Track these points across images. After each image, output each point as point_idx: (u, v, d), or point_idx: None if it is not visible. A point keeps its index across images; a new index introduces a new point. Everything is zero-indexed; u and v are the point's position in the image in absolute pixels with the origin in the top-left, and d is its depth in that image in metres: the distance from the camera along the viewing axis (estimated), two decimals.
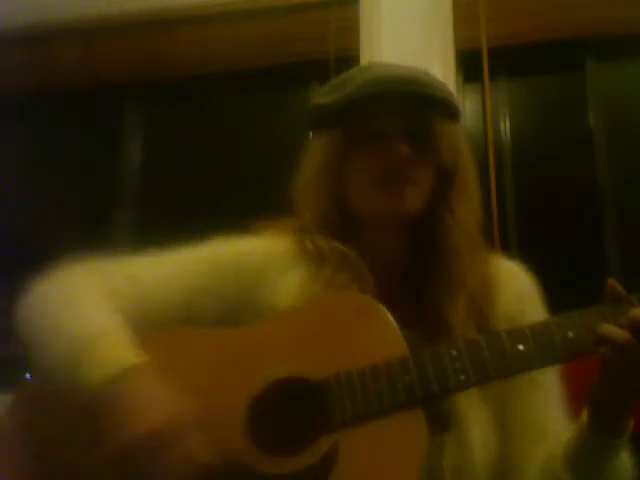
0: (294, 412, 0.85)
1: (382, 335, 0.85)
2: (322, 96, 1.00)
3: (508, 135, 2.19)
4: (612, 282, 0.80)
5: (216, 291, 0.97)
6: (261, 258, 1.00)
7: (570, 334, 0.78)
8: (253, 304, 0.97)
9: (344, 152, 0.99)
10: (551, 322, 0.80)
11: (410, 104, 0.96)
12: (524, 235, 2.05)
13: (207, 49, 2.34)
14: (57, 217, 2.41)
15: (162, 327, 0.93)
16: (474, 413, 0.88)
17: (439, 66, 2.10)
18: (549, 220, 2.06)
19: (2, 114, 2.47)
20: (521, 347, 0.79)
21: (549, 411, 0.93)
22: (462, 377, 0.79)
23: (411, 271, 0.99)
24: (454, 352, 0.81)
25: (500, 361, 0.79)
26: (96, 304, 0.89)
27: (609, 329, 0.76)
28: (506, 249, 1.93)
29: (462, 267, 0.94)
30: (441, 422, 0.85)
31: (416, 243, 0.99)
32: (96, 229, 2.35)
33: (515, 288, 0.98)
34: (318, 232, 0.99)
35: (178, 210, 2.33)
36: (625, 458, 0.84)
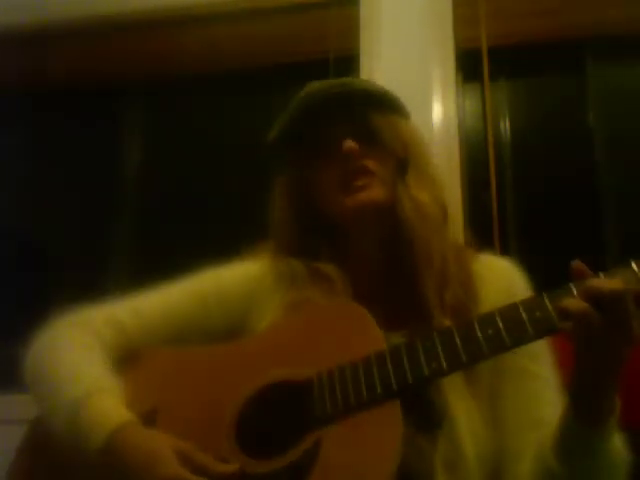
0: (281, 414, 0.87)
1: (364, 335, 0.88)
2: (272, 131, 1.07)
3: (508, 135, 2.19)
4: (577, 262, 0.79)
5: (202, 325, 1.03)
6: (243, 286, 1.05)
7: (538, 313, 0.78)
8: (241, 330, 1.02)
9: (304, 172, 1.05)
10: (520, 303, 0.80)
11: (345, 105, 1.02)
12: (524, 234, 2.05)
13: (206, 49, 2.34)
14: (56, 217, 2.41)
15: (160, 347, 1.00)
16: (462, 407, 0.89)
17: (439, 66, 2.09)
18: (549, 219, 2.06)
19: (1, 114, 2.47)
20: (490, 330, 0.80)
21: (542, 400, 0.93)
22: (434, 365, 0.81)
23: (393, 271, 1.03)
24: (428, 342, 0.82)
25: (471, 346, 0.80)
26: (85, 361, 0.96)
27: (568, 301, 0.75)
28: (506, 248, 1.93)
29: (428, 251, 0.97)
30: (433, 420, 0.86)
31: (392, 241, 1.03)
32: (96, 229, 2.35)
33: (502, 282, 1.00)
34: (293, 255, 1.04)
35: (178, 210, 2.33)
36: (617, 447, 0.82)
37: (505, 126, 2.20)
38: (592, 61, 2.17)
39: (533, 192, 2.11)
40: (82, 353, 0.97)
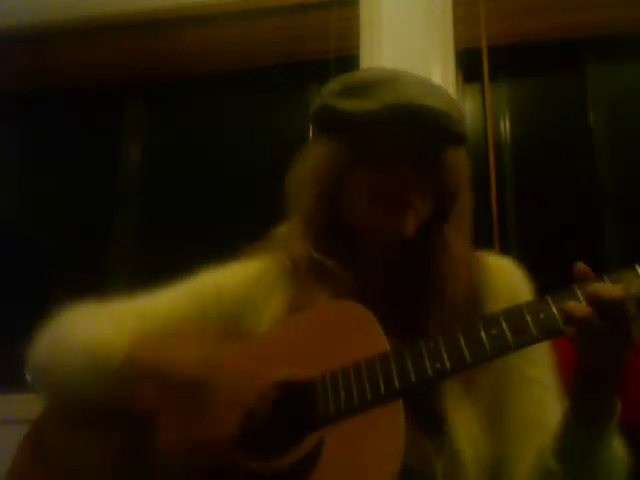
0: (283, 415, 0.86)
1: (368, 337, 0.87)
2: (337, 98, 0.97)
3: (508, 135, 2.19)
4: (580, 264, 0.78)
5: (199, 327, 1.01)
6: (242, 287, 1.03)
7: (542, 315, 0.78)
8: (237, 332, 1.00)
9: (346, 162, 0.98)
10: (524, 305, 0.80)
11: (426, 134, 0.95)
12: (524, 235, 2.05)
13: (207, 49, 2.35)
14: (57, 217, 2.41)
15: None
16: (460, 412, 0.89)
17: (439, 66, 2.10)
18: (549, 220, 2.06)
19: (2, 114, 2.47)
20: (494, 331, 0.79)
21: (543, 405, 0.92)
22: (437, 365, 0.80)
23: (397, 281, 1.00)
24: (432, 343, 0.82)
25: (475, 346, 0.80)
26: (104, 324, 0.97)
27: (571, 305, 0.75)
28: (506, 249, 1.93)
29: (448, 290, 0.95)
30: (434, 425, 0.86)
31: (403, 256, 1.00)
32: (97, 229, 2.36)
33: (503, 281, 0.99)
34: (303, 237, 1.01)
35: (178, 210, 2.33)
36: (616, 448, 0.82)
37: (505, 126, 2.20)
38: (592, 61, 2.17)
39: (533, 192, 2.11)
40: (98, 321, 0.99)
